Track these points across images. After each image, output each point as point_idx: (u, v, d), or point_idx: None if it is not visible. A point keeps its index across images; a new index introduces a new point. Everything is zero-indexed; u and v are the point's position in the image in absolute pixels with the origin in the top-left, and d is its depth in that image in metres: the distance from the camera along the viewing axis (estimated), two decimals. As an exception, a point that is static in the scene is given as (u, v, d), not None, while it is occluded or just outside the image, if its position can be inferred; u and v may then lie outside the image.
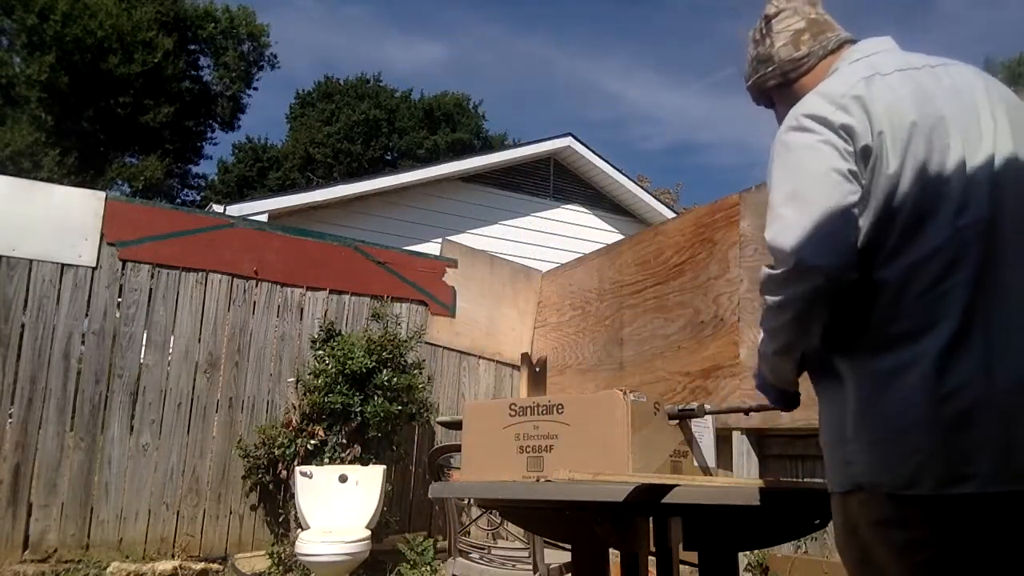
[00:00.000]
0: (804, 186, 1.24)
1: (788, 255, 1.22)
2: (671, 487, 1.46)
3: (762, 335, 1.37)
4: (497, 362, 5.87)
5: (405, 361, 4.91)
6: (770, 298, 1.29)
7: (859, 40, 1.44)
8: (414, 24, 50.11)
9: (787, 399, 1.48)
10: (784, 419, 3.68)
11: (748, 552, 3.88)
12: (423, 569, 4.58)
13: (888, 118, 1.24)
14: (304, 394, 4.67)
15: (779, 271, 1.24)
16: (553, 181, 10.17)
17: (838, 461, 1.27)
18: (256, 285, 5.01)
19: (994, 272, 1.18)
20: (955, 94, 1.28)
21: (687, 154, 50.98)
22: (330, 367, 4.62)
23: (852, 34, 1.47)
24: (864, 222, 1.22)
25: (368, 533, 4.11)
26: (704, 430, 2.01)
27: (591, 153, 10.08)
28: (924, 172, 1.21)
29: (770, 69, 1.48)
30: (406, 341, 4.96)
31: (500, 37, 51.83)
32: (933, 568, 1.16)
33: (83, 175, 18.26)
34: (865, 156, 1.23)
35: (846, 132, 1.24)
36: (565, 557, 2.75)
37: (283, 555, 4.45)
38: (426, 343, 5.46)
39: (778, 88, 1.49)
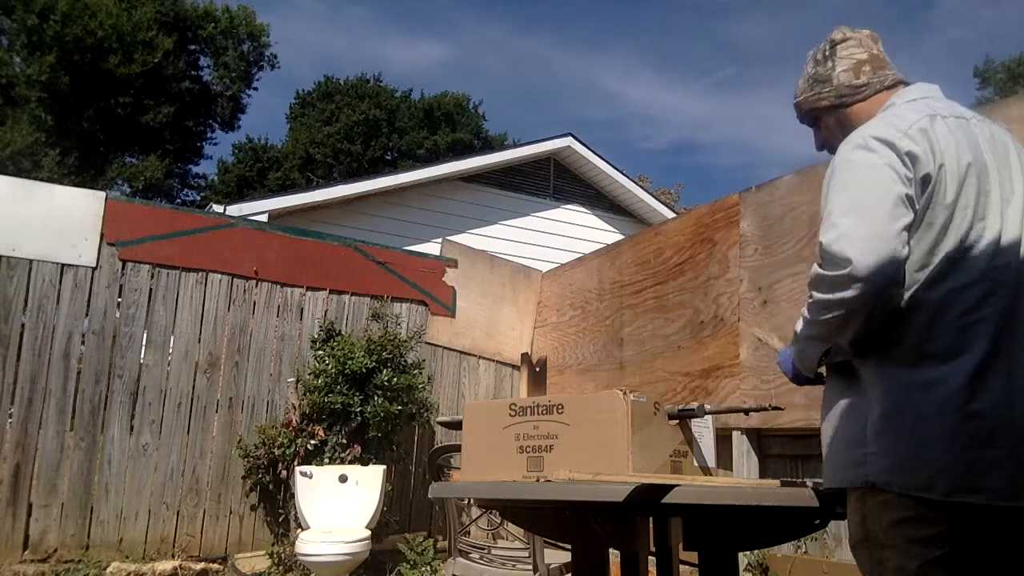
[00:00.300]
0: (864, 202, 1.34)
1: (841, 261, 1.31)
2: (671, 487, 1.46)
3: (801, 319, 1.46)
4: (497, 362, 5.87)
5: (405, 361, 4.91)
6: (817, 294, 1.38)
7: (911, 82, 1.57)
8: (415, 24, 50.17)
9: (800, 379, 1.60)
10: (784, 419, 3.69)
11: (748, 552, 3.88)
12: (423, 569, 4.58)
13: (948, 154, 1.37)
14: (304, 394, 4.67)
15: (830, 273, 1.34)
16: (553, 181, 10.17)
17: (850, 460, 1.37)
18: (256, 285, 5.01)
19: (1017, 313, 1.33)
20: (995, 146, 1.44)
21: (687, 154, 51.02)
22: (330, 367, 4.62)
23: (904, 76, 1.60)
24: (914, 244, 1.34)
25: (368, 533, 4.11)
26: (704, 430, 2.00)
27: (591, 153, 10.08)
28: (972, 210, 1.35)
29: (827, 90, 1.58)
30: (406, 341, 4.96)
31: (501, 37, 51.89)
32: (948, 565, 1.25)
33: (83, 175, 18.27)
34: (924, 183, 1.35)
35: (910, 159, 1.36)
36: (565, 557, 2.75)
37: (283, 555, 4.45)
38: (426, 343, 5.46)
39: (830, 109, 1.59)
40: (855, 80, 1.56)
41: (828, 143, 1.64)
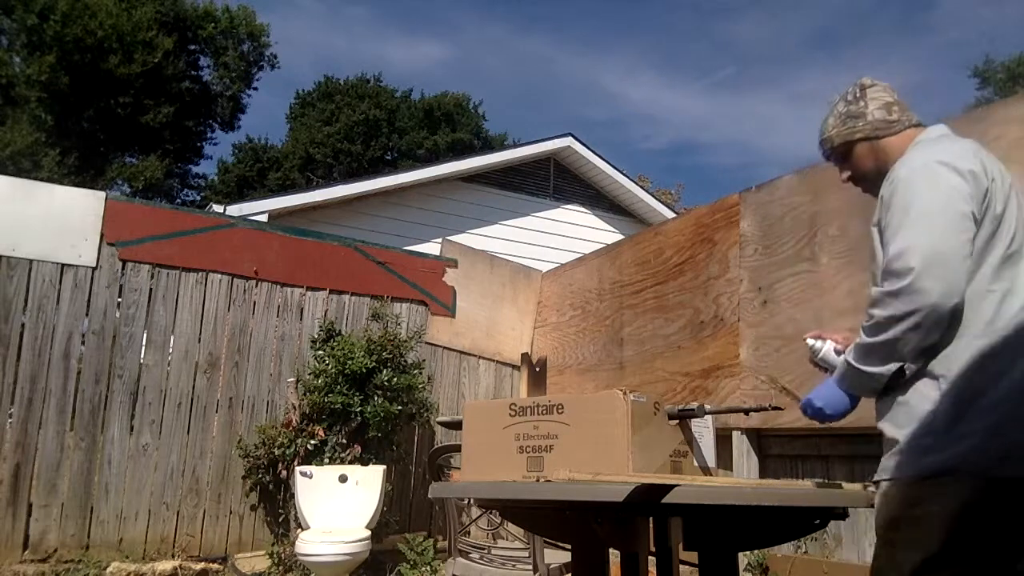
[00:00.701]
0: (930, 217, 1.49)
1: (908, 271, 1.45)
2: (671, 487, 1.46)
3: (855, 350, 1.59)
4: (497, 362, 5.87)
5: (405, 361, 4.91)
6: (880, 312, 1.50)
7: (927, 124, 1.78)
8: (416, 24, 50.17)
9: (846, 412, 1.67)
10: (784, 419, 3.68)
11: (748, 552, 3.88)
12: (423, 569, 4.58)
13: (995, 174, 1.56)
14: (304, 394, 4.67)
15: (895, 287, 1.47)
16: (553, 181, 10.17)
17: (917, 448, 1.48)
18: (256, 285, 5.01)
19: None
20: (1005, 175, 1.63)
21: (688, 154, 51.01)
22: (330, 367, 4.62)
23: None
24: (972, 251, 1.50)
25: (368, 533, 4.11)
26: (704, 430, 2.01)
27: (591, 153, 10.08)
28: (1016, 221, 1.55)
29: (862, 124, 1.75)
30: (406, 341, 4.96)
31: (502, 37, 51.87)
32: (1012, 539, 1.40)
33: (83, 175, 18.27)
34: (983, 197, 1.52)
35: (972, 176, 1.52)
36: (565, 557, 2.75)
37: (283, 555, 4.45)
38: (426, 343, 5.46)
39: (863, 141, 1.75)
40: (888, 116, 1.73)
41: (859, 174, 1.79)
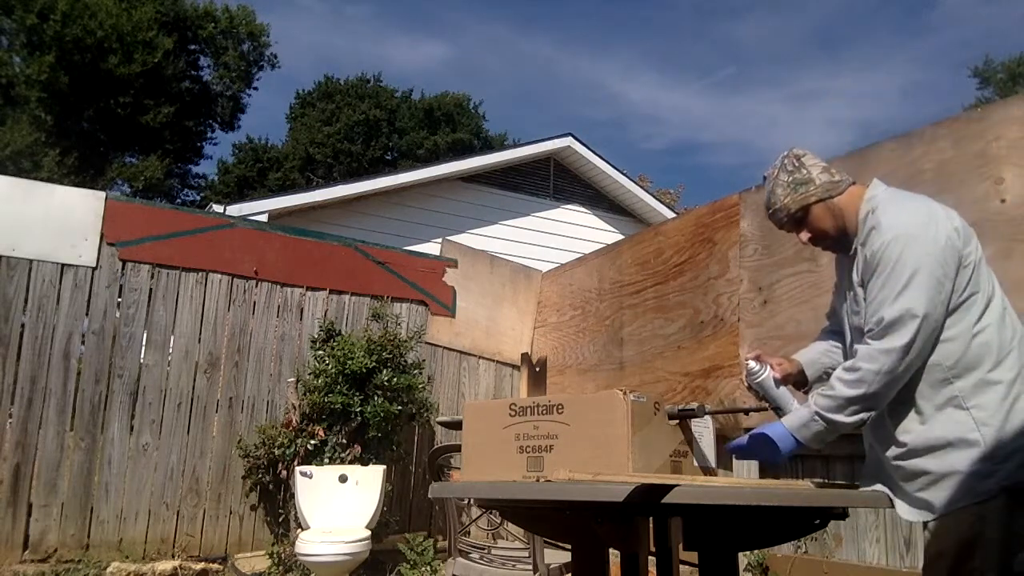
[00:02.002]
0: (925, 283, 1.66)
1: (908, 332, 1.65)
2: (671, 487, 1.46)
3: (832, 403, 1.71)
4: (497, 362, 5.87)
5: (405, 361, 4.91)
6: (869, 367, 1.68)
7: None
8: (417, 23, 50.14)
9: (784, 457, 1.83)
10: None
11: (748, 552, 3.88)
12: (423, 569, 4.58)
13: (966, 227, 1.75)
14: (304, 394, 4.67)
15: (894, 344, 1.66)
16: (553, 181, 10.17)
17: (977, 474, 1.60)
18: (256, 285, 5.01)
19: None
20: None
21: (689, 154, 51.03)
22: (330, 367, 4.62)
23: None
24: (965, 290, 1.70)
25: (368, 533, 4.11)
26: (704, 430, 2.01)
27: (591, 153, 10.08)
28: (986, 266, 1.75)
29: (812, 188, 1.87)
30: (406, 341, 4.96)
31: (504, 36, 51.86)
32: None
33: (83, 175, 18.26)
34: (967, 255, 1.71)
35: (959, 233, 1.71)
36: (565, 557, 2.75)
37: (283, 555, 4.45)
38: (426, 343, 5.46)
39: (818, 203, 1.87)
40: (833, 178, 1.87)
41: (819, 234, 1.89)
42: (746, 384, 1.93)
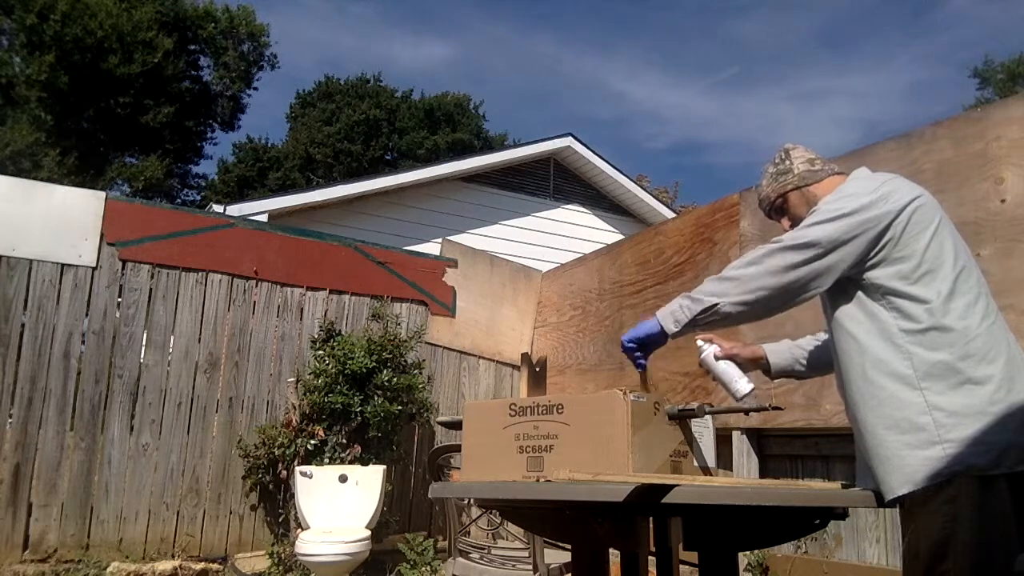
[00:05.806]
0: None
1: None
2: (671, 487, 1.46)
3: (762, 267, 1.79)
4: (497, 362, 5.87)
5: (405, 361, 4.91)
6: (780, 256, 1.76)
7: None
8: (420, 23, 50.17)
9: (657, 342, 1.89)
10: (784, 419, 3.68)
11: (748, 552, 3.88)
12: (423, 569, 4.58)
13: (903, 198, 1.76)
14: (304, 394, 4.67)
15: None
16: (553, 181, 10.16)
17: (930, 457, 1.58)
18: (256, 285, 5.01)
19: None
20: None
21: (692, 153, 51.06)
22: (330, 367, 4.62)
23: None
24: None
25: (368, 533, 4.11)
26: (704, 430, 2.00)
27: (591, 153, 10.07)
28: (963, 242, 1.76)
29: (790, 177, 1.96)
30: (406, 341, 4.96)
31: (507, 36, 51.87)
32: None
33: (83, 175, 18.27)
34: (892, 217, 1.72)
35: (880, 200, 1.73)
36: (565, 557, 2.75)
37: (283, 555, 4.45)
38: (426, 343, 5.46)
39: (794, 191, 1.95)
40: (812, 168, 1.95)
41: (796, 221, 1.92)
42: (699, 363, 2.08)
